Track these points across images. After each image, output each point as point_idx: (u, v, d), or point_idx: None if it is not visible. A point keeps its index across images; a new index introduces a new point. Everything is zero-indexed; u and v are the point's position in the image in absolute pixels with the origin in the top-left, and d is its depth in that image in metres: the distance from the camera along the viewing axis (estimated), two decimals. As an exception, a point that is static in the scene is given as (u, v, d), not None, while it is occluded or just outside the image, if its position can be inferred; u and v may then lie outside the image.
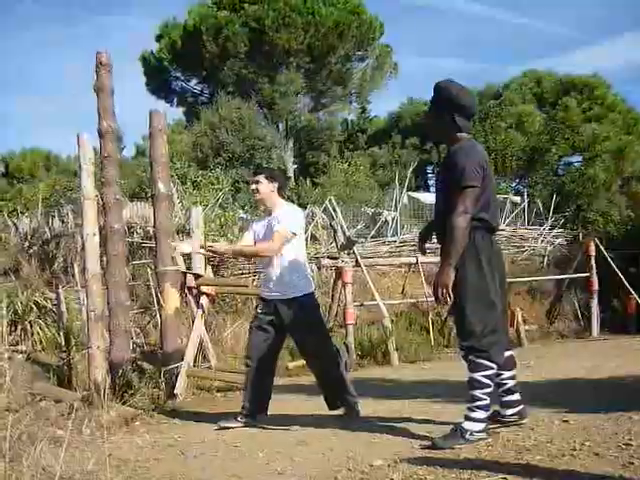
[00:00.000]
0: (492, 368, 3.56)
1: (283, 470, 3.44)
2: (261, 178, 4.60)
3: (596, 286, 10.56)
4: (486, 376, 3.55)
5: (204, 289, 6.58)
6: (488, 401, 3.58)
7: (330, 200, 13.45)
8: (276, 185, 4.62)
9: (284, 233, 4.41)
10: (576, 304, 11.16)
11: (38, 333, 8.28)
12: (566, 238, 13.50)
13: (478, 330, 3.55)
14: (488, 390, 3.57)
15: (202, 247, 5.04)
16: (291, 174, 25.31)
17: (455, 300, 3.58)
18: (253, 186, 4.64)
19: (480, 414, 3.58)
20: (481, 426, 3.58)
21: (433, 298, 3.68)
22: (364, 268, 9.09)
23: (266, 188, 4.59)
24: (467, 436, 3.54)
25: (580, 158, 19.38)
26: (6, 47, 72.35)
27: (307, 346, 4.73)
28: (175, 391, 5.83)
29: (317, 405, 5.26)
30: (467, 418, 3.59)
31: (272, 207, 4.61)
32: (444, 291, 3.50)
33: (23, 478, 2.66)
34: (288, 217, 4.51)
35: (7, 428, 3.08)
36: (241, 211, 14.74)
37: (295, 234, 4.50)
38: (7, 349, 6.44)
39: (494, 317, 3.62)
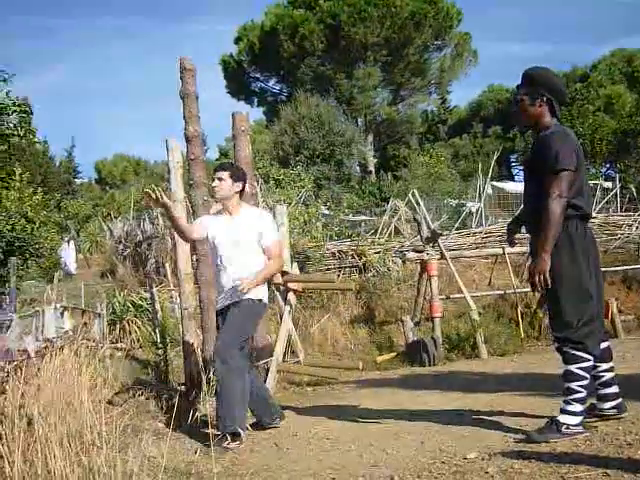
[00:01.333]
0: (588, 360, 3.47)
1: (376, 462, 3.47)
2: (225, 175, 4.41)
3: (698, 273, 10.03)
4: (582, 368, 3.46)
5: (291, 285, 6.70)
6: (585, 394, 3.49)
7: (413, 193, 13.35)
8: (240, 186, 4.46)
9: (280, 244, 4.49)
10: (675, 293, 10.62)
11: (135, 331, 8.67)
12: (663, 223, 12.86)
13: (573, 321, 3.47)
14: (584, 382, 3.48)
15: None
16: (372, 168, 25.28)
17: (549, 290, 3.51)
18: (215, 182, 4.42)
19: (576, 407, 3.48)
20: (578, 419, 3.49)
21: (530, 286, 3.61)
22: (449, 260, 8.98)
23: (229, 188, 4.41)
24: (563, 430, 3.45)
25: (676, 139, 18.39)
26: (89, 57, 75.48)
27: None
28: (266, 386, 5.96)
29: (409, 398, 5.27)
30: (563, 411, 3.50)
31: (232, 208, 4.44)
32: (541, 277, 3.43)
33: (131, 467, 2.81)
34: (271, 223, 4.54)
35: (113, 421, 3.25)
36: (323, 207, 14.87)
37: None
38: (108, 347, 6.77)
39: (590, 307, 3.53)
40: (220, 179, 4.41)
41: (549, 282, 3.45)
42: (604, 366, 3.66)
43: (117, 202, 26.24)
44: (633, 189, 14.87)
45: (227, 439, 4.00)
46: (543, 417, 3.71)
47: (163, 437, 3.86)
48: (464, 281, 9.15)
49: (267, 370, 6.11)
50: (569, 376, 3.49)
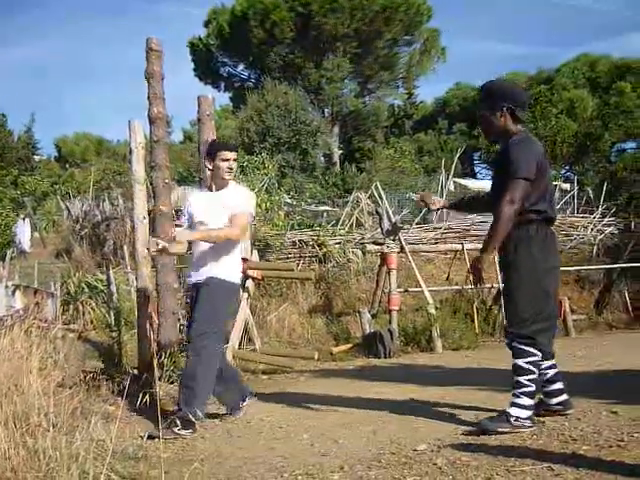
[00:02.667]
0: (536, 355, 3.57)
1: (327, 452, 3.48)
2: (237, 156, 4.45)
3: (648, 276, 10.31)
4: (530, 362, 3.56)
5: (250, 273, 6.67)
6: (534, 388, 3.59)
7: (376, 186, 13.41)
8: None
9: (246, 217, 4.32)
10: (626, 295, 10.91)
11: (89, 313, 8.53)
12: (617, 227, 13.17)
13: (528, 317, 3.57)
14: (533, 377, 3.58)
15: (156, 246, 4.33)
16: (336, 159, 25.29)
17: (507, 287, 3.66)
18: (234, 164, 4.38)
19: (525, 401, 3.57)
20: (527, 413, 3.58)
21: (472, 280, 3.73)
22: (409, 254, 9.06)
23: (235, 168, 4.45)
24: (513, 422, 3.54)
25: (634, 145, 18.85)
26: (62, 35, 73.86)
27: None
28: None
29: (363, 389, 5.30)
30: (513, 404, 3.59)
31: (224, 185, 4.39)
32: (476, 274, 3.61)
33: (78, 450, 2.76)
34: (246, 197, 4.40)
35: (62, 403, 3.19)
36: (286, 196, 14.83)
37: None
38: (60, 328, 6.64)
39: (546, 306, 3.64)
40: (235, 160, 4.40)
41: (482, 281, 3.61)
42: (546, 363, 3.73)
43: (77, 181, 25.72)
44: (590, 191, 15.20)
45: (177, 425, 3.95)
46: (495, 410, 3.78)
47: (113, 421, 3.80)
48: (423, 275, 9.24)
49: (223, 356, 6.07)
50: (518, 370, 3.58)
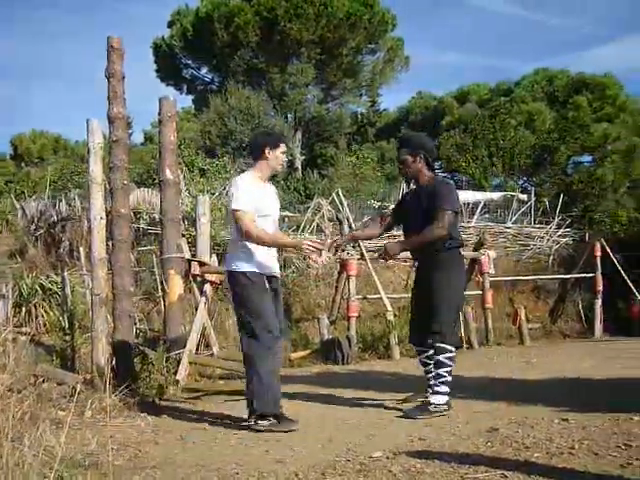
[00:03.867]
0: (452, 351, 4.37)
1: (282, 459, 3.45)
2: None
3: (600, 287, 10.55)
4: (448, 358, 4.34)
5: (208, 277, 6.60)
6: (450, 378, 4.34)
7: (337, 192, 13.44)
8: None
9: None
10: (580, 304, 11.15)
11: (42, 315, 8.35)
12: (572, 238, 13.46)
13: (451, 322, 4.46)
14: (450, 369, 4.34)
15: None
16: (298, 165, 25.27)
17: (437, 297, 4.38)
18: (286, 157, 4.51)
19: (443, 388, 4.31)
20: (445, 399, 4.31)
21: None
22: (369, 261, 9.09)
23: None
24: (431, 408, 4.26)
25: (590, 158, 19.29)
26: (22, 32, 72.37)
27: None
28: (177, 377, 5.85)
29: (320, 396, 5.28)
30: (434, 392, 4.32)
31: (268, 177, 4.48)
32: (386, 259, 4.73)
33: (25, 458, 2.68)
34: (233, 191, 4.32)
35: (10, 408, 3.09)
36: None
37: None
38: (11, 330, 6.46)
39: (458, 314, 4.92)
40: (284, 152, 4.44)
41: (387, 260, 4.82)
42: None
43: (32, 180, 25.15)
44: (547, 203, 15.48)
45: (254, 420, 4.11)
46: (449, 417, 3.81)
47: (63, 427, 3.71)
48: (381, 282, 9.28)
49: (179, 361, 5.99)
50: (438, 364, 4.33)
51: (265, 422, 4.10)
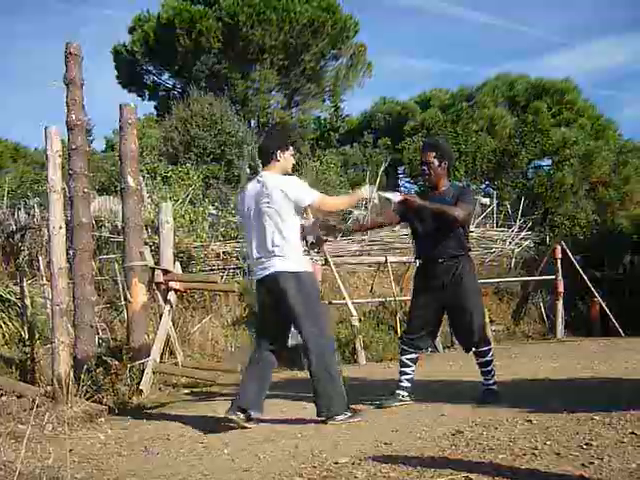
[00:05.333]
0: (492, 348, 4.89)
1: (248, 467, 3.43)
2: None
3: (562, 288, 10.74)
4: (492, 355, 4.85)
5: (172, 285, 6.53)
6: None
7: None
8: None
9: None
10: (542, 306, 11.33)
11: (1, 327, 8.13)
12: (534, 241, 13.67)
13: (484, 325, 5.02)
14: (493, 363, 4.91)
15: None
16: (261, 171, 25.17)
17: (471, 304, 4.77)
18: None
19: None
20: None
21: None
22: (333, 266, 9.10)
23: None
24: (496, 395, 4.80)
25: (549, 162, 19.63)
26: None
27: None
28: (140, 387, 5.77)
29: (286, 402, 5.26)
30: (493, 383, 4.85)
31: None
32: (411, 200, 4.74)
33: (-19, 474, 2.61)
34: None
35: (-34, 423, 3.01)
36: (211, 207, 14.62)
37: None
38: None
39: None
40: None
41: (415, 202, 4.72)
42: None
43: (-10, 189, 24.58)
44: (508, 206, 15.70)
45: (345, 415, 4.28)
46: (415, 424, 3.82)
47: (23, 441, 3.62)
48: (346, 287, 9.30)
49: (143, 371, 5.92)
50: (487, 364, 4.78)
51: (341, 417, 4.28)
